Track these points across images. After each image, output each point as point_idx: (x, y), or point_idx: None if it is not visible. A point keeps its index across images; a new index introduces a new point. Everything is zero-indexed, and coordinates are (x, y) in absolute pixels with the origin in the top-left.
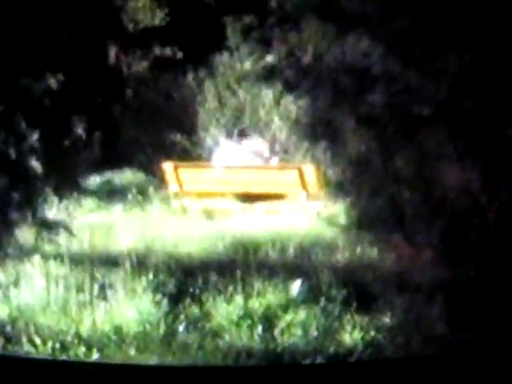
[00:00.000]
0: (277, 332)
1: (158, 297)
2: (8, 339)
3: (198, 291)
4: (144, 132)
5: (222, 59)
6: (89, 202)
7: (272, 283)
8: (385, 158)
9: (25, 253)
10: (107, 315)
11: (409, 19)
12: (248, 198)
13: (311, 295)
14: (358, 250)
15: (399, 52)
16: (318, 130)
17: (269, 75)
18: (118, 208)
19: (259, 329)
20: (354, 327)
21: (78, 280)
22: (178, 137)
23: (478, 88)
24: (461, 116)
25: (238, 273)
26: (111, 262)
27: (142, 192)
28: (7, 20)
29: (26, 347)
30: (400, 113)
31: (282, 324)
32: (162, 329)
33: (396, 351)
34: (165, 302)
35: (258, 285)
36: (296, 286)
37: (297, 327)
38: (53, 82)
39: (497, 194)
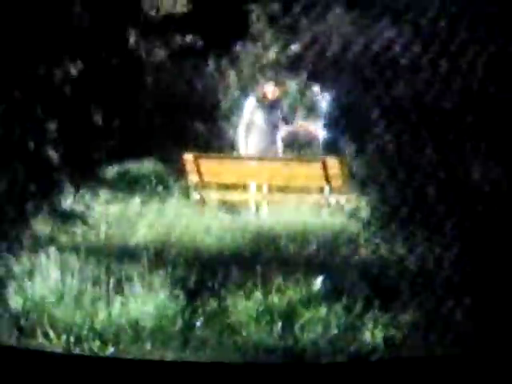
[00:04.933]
0: (297, 329)
1: (176, 291)
2: (22, 331)
3: (216, 286)
4: (164, 122)
5: (246, 48)
6: (106, 193)
7: (293, 279)
8: (411, 151)
9: (40, 244)
10: (123, 309)
11: (436, 9)
12: (270, 190)
13: (333, 292)
14: (382, 245)
15: (426, 42)
16: (343, 122)
17: (293, 65)
18: (136, 199)
19: (279, 325)
20: (375, 325)
21: (93, 273)
22: (199, 127)
23: (507, 80)
24: (489, 109)
25: (258, 267)
26: (128, 254)
27: (161, 183)
28: (26, 7)
29: (40, 340)
30: (427, 105)
31: (302, 321)
32: (179, 324)
33: (418, 350)
34: (182, 296)
35: (278, 280)
36: (317, 282)
37: (317, 324)
38: (72, 70)
39: None
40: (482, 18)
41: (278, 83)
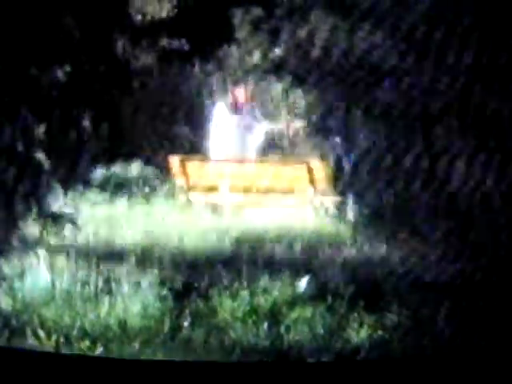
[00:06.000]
0: (283, 329)
1: (164, 292)
2: (12, 332)
3: (203, 286)
4: (151, 125)
5: (230, 51)
6: (94, 195)
7: (278, 279)
8: (395, 153)
9: (30, 245)
10: (112, 309)
11: (420, 12)
12: (255, 192)
13: (318, 292)
14: (367, 246)
15: (410, 45)
16: (327, 125)
17: (277, 68)
18: (123, 201)
19: (265, 325)
20: (361, 325)
21: (82, 273)
22: (185, 130)
23: (491, 83)
24: (473, 111)
25: (244, 268)
26: (116, 255)
27: (148, 185)
28: (15, 11)
29: (31, 340)
30: (410, 108)
31: (288, 321)
32: (167, 324)
33: (403, 350)
34: (170, 296)
35: (264, 281)
36: (303, 283)
37: (303, 324)
38: (60, 74)
39: (508, 190)
40: (466, 21)
41: (247, 86)
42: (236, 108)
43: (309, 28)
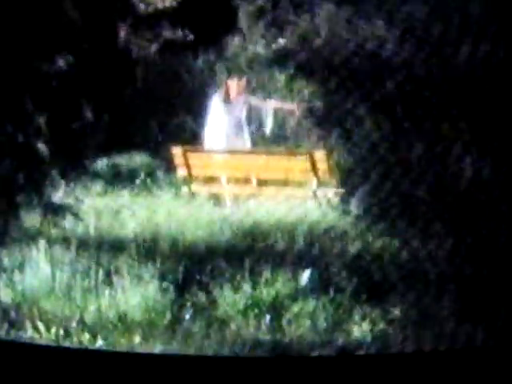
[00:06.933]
0: (284, 322)
1: (165, 284)
2: (12, 324)
3: (205, 279)
4: (153, 115)
5: (234, 42)
6: (96, 186)
7: (281, 272)
8: (398, 145)
9: (30, 237)
10: (112, 302)
11: (424, 4)
12: (258, 183)
13: (320, 285)
14: (370, 239)
15: (414, 37)
16: (330, 116)
17: (281, 59)
18: (125, 192)
19: (266, 319)
20: (363, 319)
21: (83, 265)
22: (188, 120)
23: (494, 77)
24: (476, 105)
25: (246, 261)
26: (117, 247)
27: (151, 176)
28: (17, 1)
29: (30, 333)
30: (414, 100)
31: (289, 314)
32: (168, 317)
33: (405, 345)
34: (171, 289)
35: (266, 273)
36: (305, 276)
37: (305, 318)
38: (62, 64)
39: (510, 184)
40: (471, 15)
41: (244, 77)
42: (232, 98)
43: (313, 18)
